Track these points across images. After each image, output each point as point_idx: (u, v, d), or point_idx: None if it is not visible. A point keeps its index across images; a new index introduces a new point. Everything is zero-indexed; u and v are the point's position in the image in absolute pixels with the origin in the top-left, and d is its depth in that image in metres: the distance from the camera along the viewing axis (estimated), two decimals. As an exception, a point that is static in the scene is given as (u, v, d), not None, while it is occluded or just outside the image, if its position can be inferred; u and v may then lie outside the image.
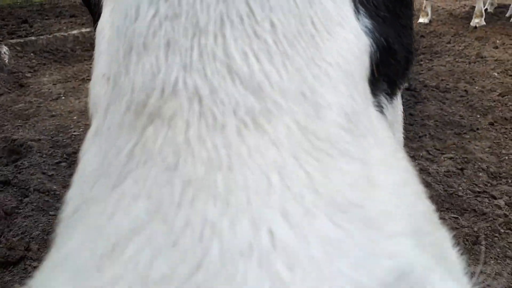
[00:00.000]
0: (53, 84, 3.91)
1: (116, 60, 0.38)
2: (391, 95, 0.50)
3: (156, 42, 0.36)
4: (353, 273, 0.26)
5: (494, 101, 3.16)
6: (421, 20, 6.01)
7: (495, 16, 6.30)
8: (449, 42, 4.83)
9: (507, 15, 6.16)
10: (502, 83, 3.34)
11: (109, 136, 0.35)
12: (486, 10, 6.44)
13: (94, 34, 0.50)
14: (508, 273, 1.69)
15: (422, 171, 2.29)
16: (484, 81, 3.39)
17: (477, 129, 2.80)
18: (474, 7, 5.64)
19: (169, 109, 0.32)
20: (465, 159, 2.43)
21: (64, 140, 2.86)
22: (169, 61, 0.34)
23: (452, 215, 1.98)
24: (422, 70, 3.74)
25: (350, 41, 0.40)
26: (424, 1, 6.03)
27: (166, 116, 0.32)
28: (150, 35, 0.36)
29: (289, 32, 0.36)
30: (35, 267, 1.91)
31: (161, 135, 0.31)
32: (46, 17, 6.07)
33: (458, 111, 3.08)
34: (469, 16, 5.91)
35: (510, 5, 6.26)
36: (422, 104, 3.21)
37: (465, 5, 6.85)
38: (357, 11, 0.44)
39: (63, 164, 2.58)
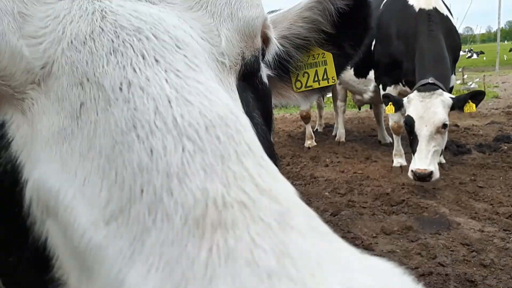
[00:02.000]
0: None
1: None
2: None
3: None
4: None
5: (327, 221, 3.34)
6: None
7: (324, 135, 7.09)
8: (288, 164, 5.07)
9: (333, 134, 6.95)
10: (332, 202, 3.61)
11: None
12: (316, 130, 7.41)
13: None
14: None
15: None
16: (318, 201, 3.65)
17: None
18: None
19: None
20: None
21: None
22: None
23: None
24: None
25: None
26: None
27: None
28: None
29: None
30: None
31: None
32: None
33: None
34: (304, 136, 6.38)
35: (334, 124, 7.24)
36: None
37: (301, 125, 7.41)
38: None
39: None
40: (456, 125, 7.02)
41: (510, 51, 41.64)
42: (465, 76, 16.38)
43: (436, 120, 3.38)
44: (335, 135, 6.70)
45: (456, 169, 4.42)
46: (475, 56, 36.80)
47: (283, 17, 1.01)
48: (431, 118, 3.39)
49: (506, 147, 5.20)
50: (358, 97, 5.73)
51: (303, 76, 1.08)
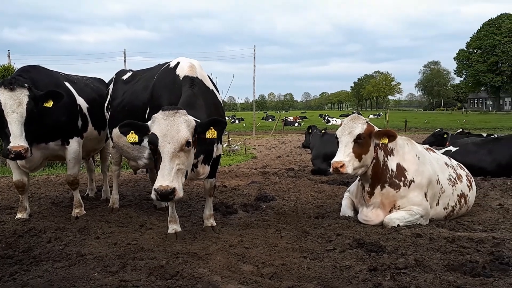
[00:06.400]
0: None
1: None
2: None
3: None
4: None
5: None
6: (19, 215, 5.13)
7: (96, 201, 6.57)
8: (49, 241, 4.16)
9: (102, 198, 6.61)
10: (101, 285, 3.06)
11: None
12: (87, 195, 6.86)
13: None
14: None
15: None
16: (84, 285, 3.08)
17: None
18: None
19: None
20: None
21: None
22: None
23: None
24: (14, 289, 3.06)
25: None
26: (20, 196, 5.25)
27: None
28: None
29: None
30: None
31: None
32: None
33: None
34: (71, 203, 5.63)
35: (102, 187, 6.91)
36: None
37: (69, 189, 6.39)
38: None
39: None
40: (225, 186, 7.65)
41: (262, 119, 50.14)
42: (230, 139, 18.57)
43: (179, 137, 3.49)
44: (107, 199, 6.22)
45: (226, 230, 4.70)
46: (237, 122, 42.91)
47: None
48: (175, 136, 3.48)
49: (265, 206, 5.92)
50: (133, 162, 5.54)
51: None
